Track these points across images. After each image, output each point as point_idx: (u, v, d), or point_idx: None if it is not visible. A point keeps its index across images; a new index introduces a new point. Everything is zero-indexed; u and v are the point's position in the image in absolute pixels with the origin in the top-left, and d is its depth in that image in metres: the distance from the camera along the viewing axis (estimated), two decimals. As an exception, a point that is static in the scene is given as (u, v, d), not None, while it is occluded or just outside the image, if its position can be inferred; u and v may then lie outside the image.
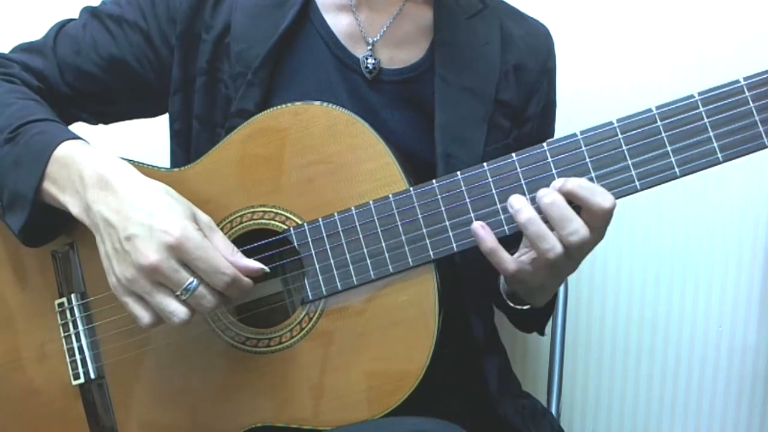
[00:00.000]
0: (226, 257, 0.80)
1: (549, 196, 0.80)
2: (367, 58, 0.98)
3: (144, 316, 0.79)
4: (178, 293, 0.78)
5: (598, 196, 0.80)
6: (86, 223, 0.83)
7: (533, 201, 0.82)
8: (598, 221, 0.81)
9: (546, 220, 0.80)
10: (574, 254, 0.82)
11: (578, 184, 0.80)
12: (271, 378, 0.88)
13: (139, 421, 0.92)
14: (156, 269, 0.76)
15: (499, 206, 0.84)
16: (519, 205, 0.81)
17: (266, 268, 0.83)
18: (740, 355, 1.47)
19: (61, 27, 1.01)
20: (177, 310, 0.78)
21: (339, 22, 1.00)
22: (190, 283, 0.77)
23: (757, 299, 1.46)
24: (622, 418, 1.51)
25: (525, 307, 0.99)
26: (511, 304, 1.00)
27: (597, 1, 1.40)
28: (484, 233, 0.83)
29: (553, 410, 1.26)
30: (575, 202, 0.80)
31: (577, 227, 0.79)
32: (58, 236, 0.93)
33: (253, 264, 0.82)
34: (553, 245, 0.80)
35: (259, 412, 0.89)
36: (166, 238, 0.76)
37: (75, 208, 0.83)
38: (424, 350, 0.84)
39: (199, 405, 0.91)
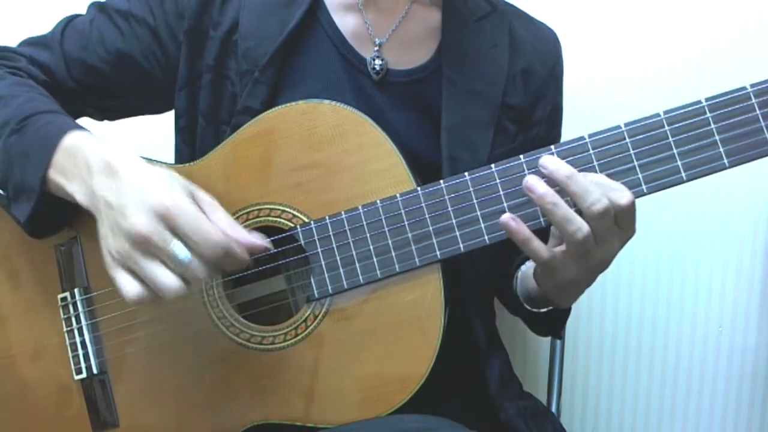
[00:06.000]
0: (224, 230, 0.77)
1: (563, 169, 0.80)
2: (374, 59, 0.98)
3: (131, 287, 0.76)
4: (171, 265, 0.75)
5: (614, 192, 0.79)
6: (90, 209, 0.81)
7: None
8: (623, 219, 0.80)
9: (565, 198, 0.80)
10: (601, 238, 0.80)
11: (594, 181, 0.80)
12: (275, 375, 0.89)
13: (141, 416, 0.92)
14: (147, 239, 0.74)
15: (506, 207, 0.84)
16: (541, 190, 0.80)
17: (271, 246, 0.82)
18: (740, 355, 1.48)
19: (69, 21, 1.01)
20: (169, 280, 0.75)
21: (347, 22, 0.99)
22: (182, 253, 0.75)
23: (757, 299, 1.47)
24: (622, 418, 1.51)
25: (543, 310, 0.99)
26: (528, 308, 1.00)
27: (598, 2, 1.40)
28: (516, 225, 0.82)
29: (553, 410, 1.26)
30: None
31: (598, 196, 0.78)
32: (64, 227, 0.93)
33: (258, 241, 0.79)
34: (579, 226, 0.79)
35: (262, 409, 0.89)
36: (157, 206, 0.74)
37: (80, 196, 0.82)
38: (429, 351, 0.84)
39: (201, 401, 0.91)
